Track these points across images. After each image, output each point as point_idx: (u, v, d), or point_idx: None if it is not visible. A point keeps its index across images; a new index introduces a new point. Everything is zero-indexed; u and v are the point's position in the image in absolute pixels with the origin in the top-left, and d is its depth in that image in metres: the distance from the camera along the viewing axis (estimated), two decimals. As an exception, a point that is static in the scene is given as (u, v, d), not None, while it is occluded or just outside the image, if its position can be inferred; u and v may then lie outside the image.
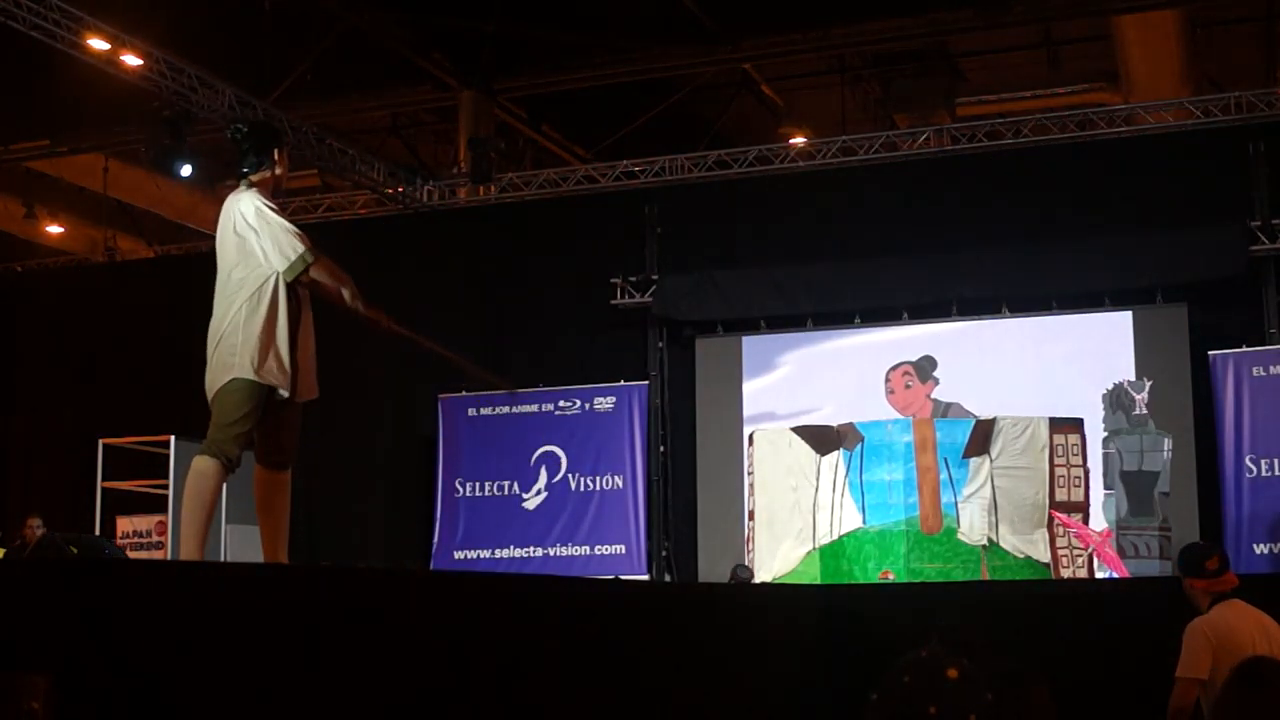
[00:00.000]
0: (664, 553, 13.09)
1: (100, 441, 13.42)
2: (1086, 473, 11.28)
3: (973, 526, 11.13)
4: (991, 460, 11.23)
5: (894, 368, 13.09)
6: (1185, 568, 5.40)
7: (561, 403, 13.38)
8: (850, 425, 11.61)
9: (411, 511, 13.86)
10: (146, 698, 2.82)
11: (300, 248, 4.88)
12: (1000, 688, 2.52)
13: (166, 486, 13.05)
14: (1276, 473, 11.22)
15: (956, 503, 11.18)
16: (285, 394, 4.85)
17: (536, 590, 4.74)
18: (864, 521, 11.36)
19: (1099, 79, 14.43)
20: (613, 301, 13.56)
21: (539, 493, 13.34)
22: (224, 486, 4.91)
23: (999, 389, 12.18)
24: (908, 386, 12.96)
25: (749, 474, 12.01)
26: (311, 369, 5.12)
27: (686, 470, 13.41)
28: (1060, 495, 11.21)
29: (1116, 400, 11.36)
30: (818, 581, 10.88)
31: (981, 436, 11.30)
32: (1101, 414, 11.47)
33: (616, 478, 13.12)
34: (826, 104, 15.28)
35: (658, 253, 13.56)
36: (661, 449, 13.29)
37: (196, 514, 4.81)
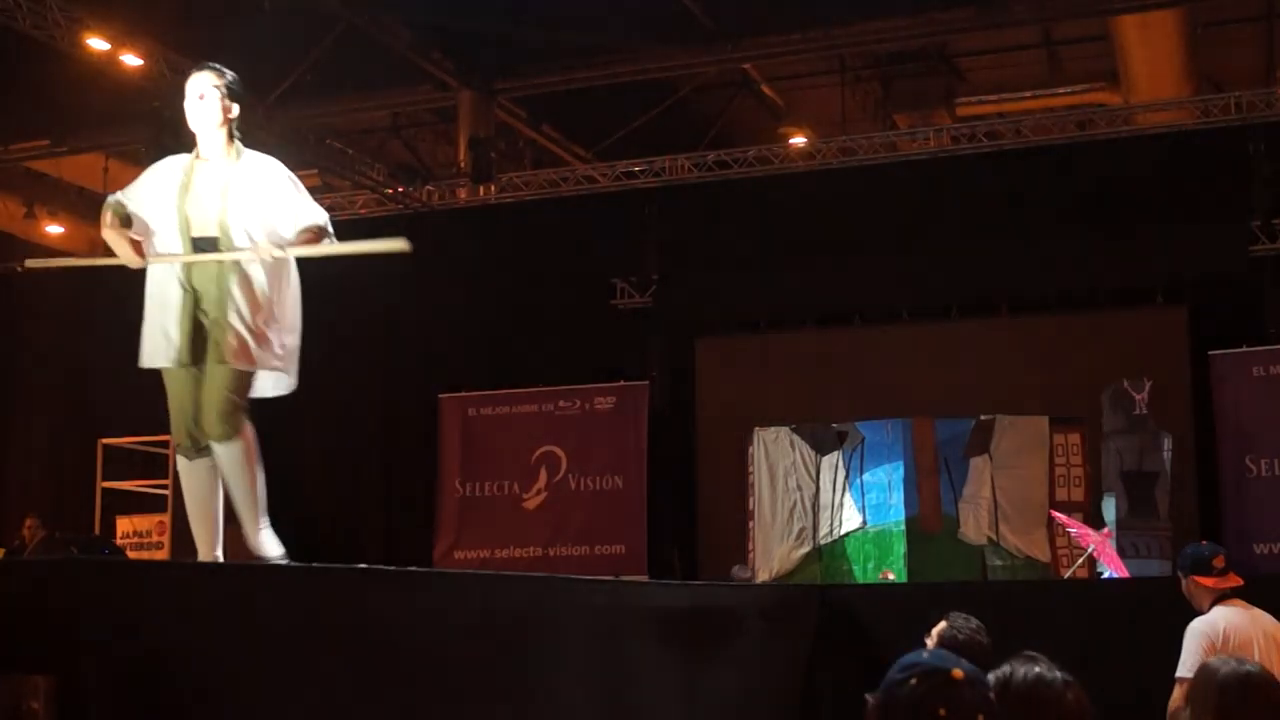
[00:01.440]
0: (664, 553, 13.07)
1: (100, 441, 13.41)
2: (1087, 473, 11.28)
3: (972, 526, 11.14)
4: (991, 460, 11.24)
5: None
6: (1191, 566, 5.38)
7: (561, 403, 13.37)
8: (850, 425, 11.62)
9: (411, 511, 13.85)
10: (146, 698, 2.82)
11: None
12: (1000, 690, 2.53)
13: (166, 486, 13.05)
14: (1276, 473, 11.21)
15: (956, 502, 11.19)
16: (175, 364, 4.61)
17: (537, 590, 4.74)
18: (864, 521, 11.37)
19: (1099, 79, 14.43)
20: (613, 301, 13.55)
21: (539, 493, 13.33)
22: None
23: (999, 389, 12.17)
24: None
25: (749, 474, 12.01)
26: (237, 336, 4.62)
27: (686, 470, 13.40)
28: (1060, 495, 11.21)
29: (1116, 400, 11.34)
30: (818, 581, 10.88)
31: (982, 436, 11.31)
32: (1102, 414, 11.46)
33: (616, 478, 13.10)
34: (826, 104, 15.27)
35: (658, 253, 13.55)
36: (661, 449, 13.27)
37: (189, 512, 4.74)
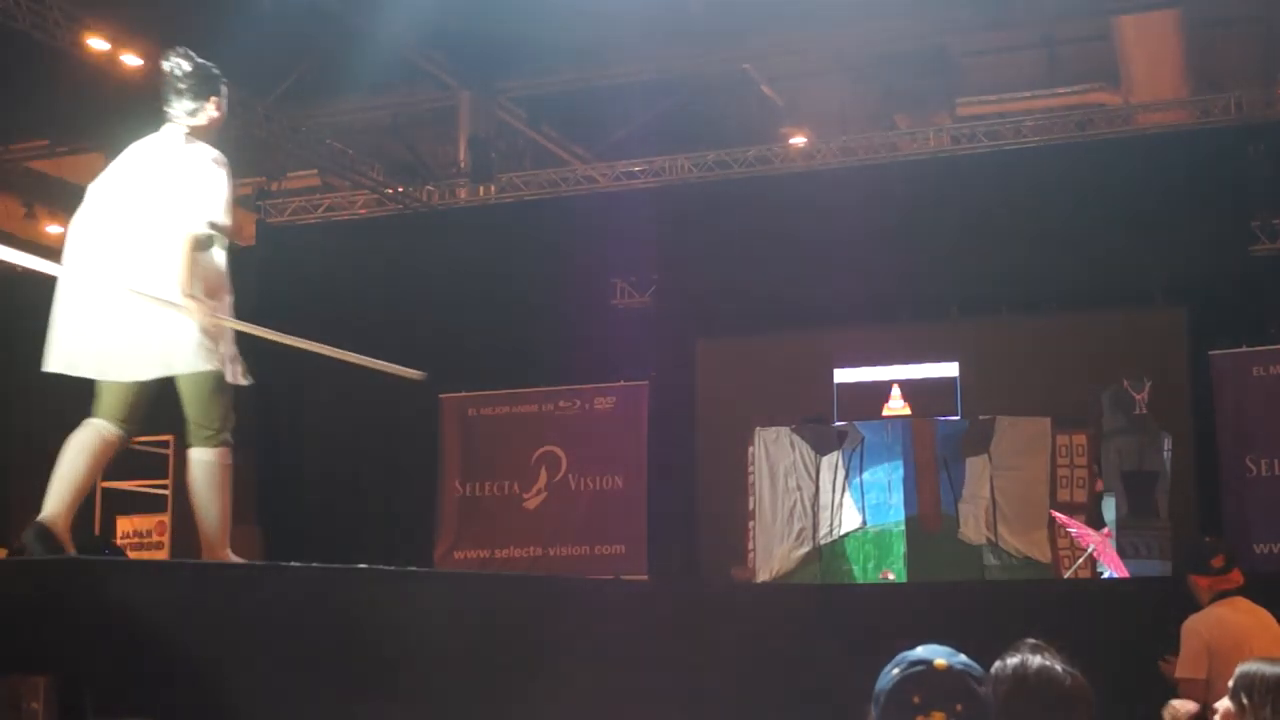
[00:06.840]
0: (664, 553, 13.07)
1: (100, 442, 13.36)
2: (1090, 473, 11.28)
3: (972, 526, 11.14)
4: (991, 460, 11.24)
5: None
6: (1190, 564, 5.40)
7: (561, 403, 13.37)
8: (850, 425, 11.62)
9: (411, 511, 13.85)
10: (146, 698, 2.82)
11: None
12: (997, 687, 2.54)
13: (166, 486, 13.04)
14: (1276, 473, 11.21)
15: (956, 502, 11.19)
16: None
17: (537, 590, 4.75)
18: (864, 521, 11.37)
19: (1099, 79, 14.43)
20: (613, 301, 13.55)
21: (539, 493, 13.32)
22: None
23: (999, 389, 12.17)
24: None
25: (749, 474, 12.01)
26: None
27: (686, 470, 13.39)
28: (1062, 495, 11.21)
29: (1116, 400, 11.35)
30: (818, 581, 10.90)
31: (982, 436, 11.31)
32: (1101, 414, 11.46)
33: (616, 478, 13.09)
34: (826, 104, 15.27)
35: (658, 253, 13.55)
36: (661, 449, 13.27)
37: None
